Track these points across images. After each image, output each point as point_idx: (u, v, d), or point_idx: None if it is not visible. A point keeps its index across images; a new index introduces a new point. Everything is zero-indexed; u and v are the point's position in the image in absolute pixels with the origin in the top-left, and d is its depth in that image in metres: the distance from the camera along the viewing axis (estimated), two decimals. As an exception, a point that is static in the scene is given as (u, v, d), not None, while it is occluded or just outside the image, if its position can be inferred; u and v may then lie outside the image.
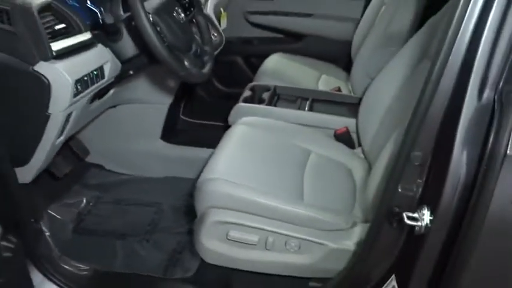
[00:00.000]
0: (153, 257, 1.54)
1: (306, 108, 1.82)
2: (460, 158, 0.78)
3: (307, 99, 1.88)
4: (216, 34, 1.86)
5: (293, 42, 2.62)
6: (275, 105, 1.84)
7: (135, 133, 1.96)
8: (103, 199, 1.81)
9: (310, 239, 1.21)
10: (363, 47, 2.01)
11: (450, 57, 0.78)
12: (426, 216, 0.84)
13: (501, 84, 0.75)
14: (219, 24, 2.29)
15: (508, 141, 0.70)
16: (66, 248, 1.46)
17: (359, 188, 1.44)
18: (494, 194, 0.72)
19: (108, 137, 1.95)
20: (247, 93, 1.90)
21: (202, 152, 1.95)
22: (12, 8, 1.01)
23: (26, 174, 1.19)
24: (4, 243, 0.98)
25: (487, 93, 0.76)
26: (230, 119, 1.76)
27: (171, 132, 2.07)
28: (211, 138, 1.87)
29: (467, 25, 0.76)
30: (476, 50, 0.75)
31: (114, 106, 1.83)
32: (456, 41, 0.77)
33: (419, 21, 1.83)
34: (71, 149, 1.83)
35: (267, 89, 1.92)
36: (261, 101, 1.84)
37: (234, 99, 1.95)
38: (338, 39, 2.49)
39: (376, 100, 1.50)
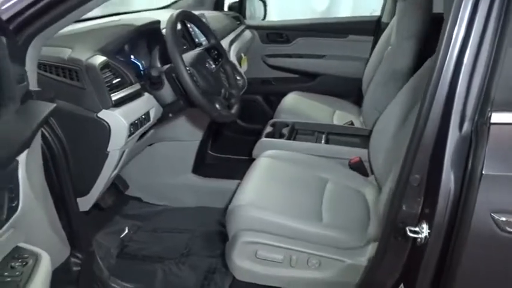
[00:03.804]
0: (190, 277, 1.71)
1: (323, 141, 1.99)
2: (448, 179, 0.94)
3: (323, 133, 2.06)
4: (239, 78, 2.07)
5: (308, 81, 2.83)
6: (294, 139, 2.01)
7: (169, 168, 2.15)
8: (142, 228, 2.00)
9: (329, 256, 1.35)
10: (371, 84, 2.19)
11: (435, 96, 0.95)
12: (425, 229, 0.99)
13: (476, 117, 0.92)
14: (240, 67, 2.52)
15: (483, 163, 0.87)
16: (112, 270, 1.63)
17: (372, 211, 1.59)
18: (476, 207, 0.88)
19: (145, 172, 2.15)
20: (268, 129, 2.09)
21: (229, 184, 2.12)
22: (80, 67, 1.25)
23: (85, 203, 1.39)
24: (73, 259, 1.17)
25: (466, 126, 0.93)
26: (254, 152, 1.92)
27: (201, 166, 2.26)
28: (236, 170, 2.05)
29: (448, 69, 0.93)
30: (455, 91, 0.93)
31: (151, 144, 2.05)
32: (439, 83, 0.95)
33: (418, 61, 2.02)
34: (114, 183, 2.05)
35: (286, 125, 2.10)
36: (281, 136, 2.01)
37: (255, 134, 2.14)
38: (349, 77, 2.69)
39: (384, 132, 1.67)
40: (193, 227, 2.00)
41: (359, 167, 1.83)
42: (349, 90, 2.70)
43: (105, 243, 1.81)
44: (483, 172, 0.86)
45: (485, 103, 0.90)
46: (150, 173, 2.15)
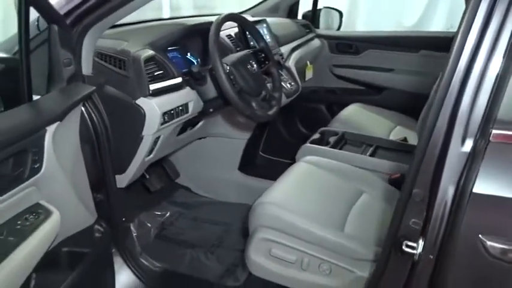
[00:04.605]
0: (213, 266, 1.79)
1: (368, 154, 1.95)
2: (444, 195, 0.91)
3: (371, 146, 2.02)
4: (293, 83, 2.11)
5: (373, 94, 2.75)
6: (341, 149, 2.00)
7: (218, 162, 2.27)
8: (184, 215, 2.14)
9: (341, 264, 1.34)
10: (428, 101, 2.09)
11: (441, 110, 0.93)
12: (421, 246, 0.97)
13: (478, 135, 0.88)
14: (305, 74, 2.56)
15: (475, 181, 0.82)
16: (147, 248, 1.77)
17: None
18: (464, 228, 0.84)
19: (196, 164, 2.28)
20: (316, 136, 2.10)
21: (271, 185, 2.17)
22: (128, 58, 1.41)
23: (122, 180, 1.55)
24: (97, 226, 1.32)
25: (468, 142, 0.88)
26: (297, 157, 1.95)
27: (248, 165, 2.34)
28: (282, 173, 2.10)
29: (454, 84, 0.91)
30: (460, 105, 0.89)
31: (204, 137, 2.18)
32: (446, 96, 0.92)
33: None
34: (165, 170, 2.22)
35: (335, 133, 2.10)
36: (327, 144, 2.02)
37: (311, 141, 2.15)
38: (417, 92, 2.56)
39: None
40: (230, 221, 2.09)
41: (399, 183, 1.76)
42: (416, 107, 2.56)
43: (147, 223, 1.97)
44: (473, 190, 0.82)
45: (488, 121, 0.86)
46: (200, 165, 2.28)
